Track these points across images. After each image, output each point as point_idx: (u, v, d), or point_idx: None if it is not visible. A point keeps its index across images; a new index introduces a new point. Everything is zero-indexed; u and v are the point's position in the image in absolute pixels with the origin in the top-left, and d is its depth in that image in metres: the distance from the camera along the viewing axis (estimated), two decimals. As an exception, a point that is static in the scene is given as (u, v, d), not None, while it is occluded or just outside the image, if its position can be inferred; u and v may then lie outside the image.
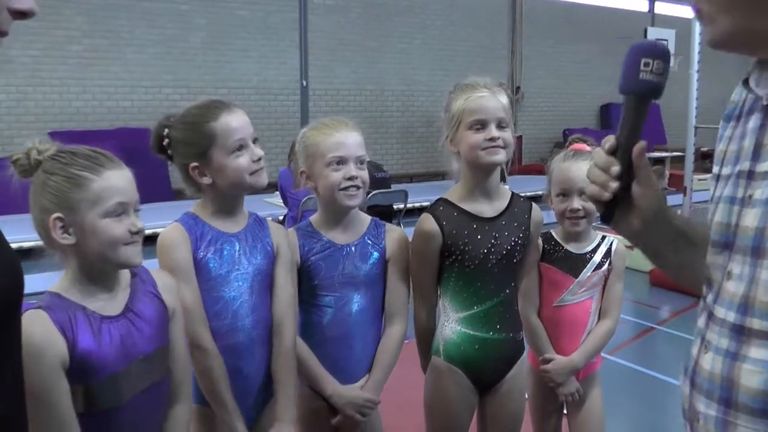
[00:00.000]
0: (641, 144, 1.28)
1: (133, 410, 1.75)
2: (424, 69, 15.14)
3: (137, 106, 12.13)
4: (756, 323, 1.12)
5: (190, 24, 12.54)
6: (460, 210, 2.43)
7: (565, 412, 2.91)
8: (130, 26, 12.01)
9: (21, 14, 0.98)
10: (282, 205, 7.22)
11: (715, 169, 1.27)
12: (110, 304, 1.75)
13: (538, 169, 15.72)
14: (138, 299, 1.81)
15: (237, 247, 2.20)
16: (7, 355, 1.10)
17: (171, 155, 2.18)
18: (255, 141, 2.18)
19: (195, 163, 2.13)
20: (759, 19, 1.11)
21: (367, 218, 2.48)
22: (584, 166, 2.52)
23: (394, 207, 8.72)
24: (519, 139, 14.97)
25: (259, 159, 2.16)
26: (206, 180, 2.14)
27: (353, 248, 2.39)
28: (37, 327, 1.58)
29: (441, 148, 2.48)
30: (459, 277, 2.44)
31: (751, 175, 1.15)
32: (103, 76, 11.89)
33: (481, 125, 2.36)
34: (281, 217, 7.21)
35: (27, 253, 6.09)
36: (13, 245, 1.14)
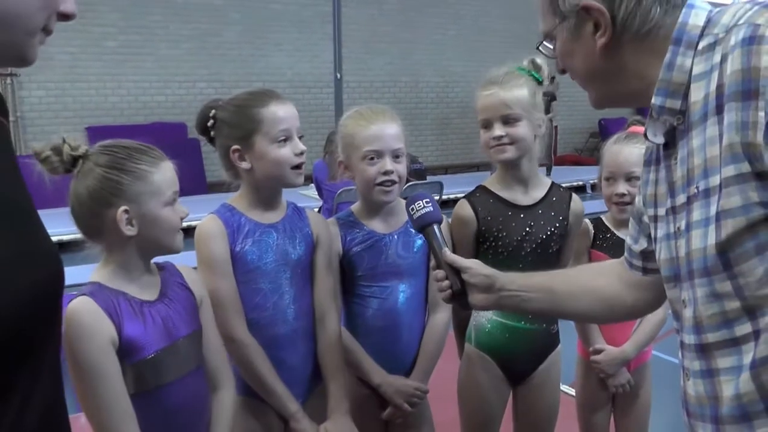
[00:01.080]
0: (444, 252, 1.79)
1: (177, 392, 1.81)
2: (459, 60, 15.06)
3: (171, 100, 12.22)
4: (710, 337, 1.24)
5: (224, 18, 12.59)
6: (496, 197, 2.43)
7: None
8: (164, 22, 12.10)
9: (65, 16, 1.08)
10: (317, 197, 7.24)
11: (650, 211, 1.47)
12: (147, 290, 1.82)
13: (574, 159, 15.62)
14: (169, 287, 1.88)
15: (276, 238, 2.19)
16: (49, 346, 1.13)
17: (213, 137, 2.19)
18: (300, 138, 2.16)
19: (237, 146, 2.12)
20: (615, 86, 1.38)
21: None
22: (635, 150, 2.50)
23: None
24: (554, 129, 14.84)
25: (302, 153, 2.14)
26: (245, 165, 2.13)
27: (395, 237, 2.36)
28: (84, 311, 1.67)
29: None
30: (493, 264, 2.39)
31: (674, 210, 1.32)
32: (137, 72, 11.99)
33: (487, 125, 2.38)
34: (316, 209, 7.22)
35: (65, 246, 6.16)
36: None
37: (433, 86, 15.02)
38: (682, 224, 1.28)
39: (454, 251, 2.45)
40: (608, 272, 1.76)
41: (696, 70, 1.24)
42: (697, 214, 1.22)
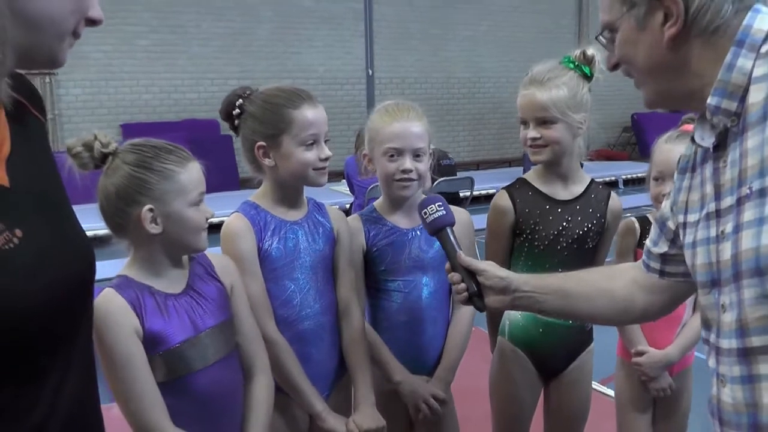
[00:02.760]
0: (458, 255, 1.80)
1: (204, 380, 1.81)
2: (490, 55, 15.01)
3: (203, 98, 12.32)
4: (755, 341, 1.21)
5: (256, 16, 12.67)
6: (535, 190, 2.43)
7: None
8: (196, 20, 12.21)
9: (93, 22, 1.15)
10: (348, 193, 7.27)
11: (681, 218, 1.47)
12: (173, 283, 1.84)
13: (606, 154, 15.50)
14: (197, 280, 1.89)
15: (300, 234, 2.19)
16: (80, 336, 1.16)
17: (237, 126, 2.18)
18: (326, 141, 2.16)
19: (262, 143, 2.11)
20: (672, 83, 1.36)
21: None
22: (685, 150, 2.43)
23: (461, 194, 8.68)
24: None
25: (326, 159, 2.14)
26: (269, 162, 2.12)
27: (419, 232, 2.35)
28: (110, 302, 1.70)
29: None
30: (528, 257, 2.43)
31: (718, 213, 1.30)
32: (170, 70, 12.12)
33: (524, 123, 2.38)
34: (348, 206, 7.25)
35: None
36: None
37: (465, 82, 14.99)
38: (728, 227, 1.26)
39: (491, 241, 2.48)
40: (622, 275, 1.77)
41: (757, 73, 1.23)
42: (749, 215, 1.21)
